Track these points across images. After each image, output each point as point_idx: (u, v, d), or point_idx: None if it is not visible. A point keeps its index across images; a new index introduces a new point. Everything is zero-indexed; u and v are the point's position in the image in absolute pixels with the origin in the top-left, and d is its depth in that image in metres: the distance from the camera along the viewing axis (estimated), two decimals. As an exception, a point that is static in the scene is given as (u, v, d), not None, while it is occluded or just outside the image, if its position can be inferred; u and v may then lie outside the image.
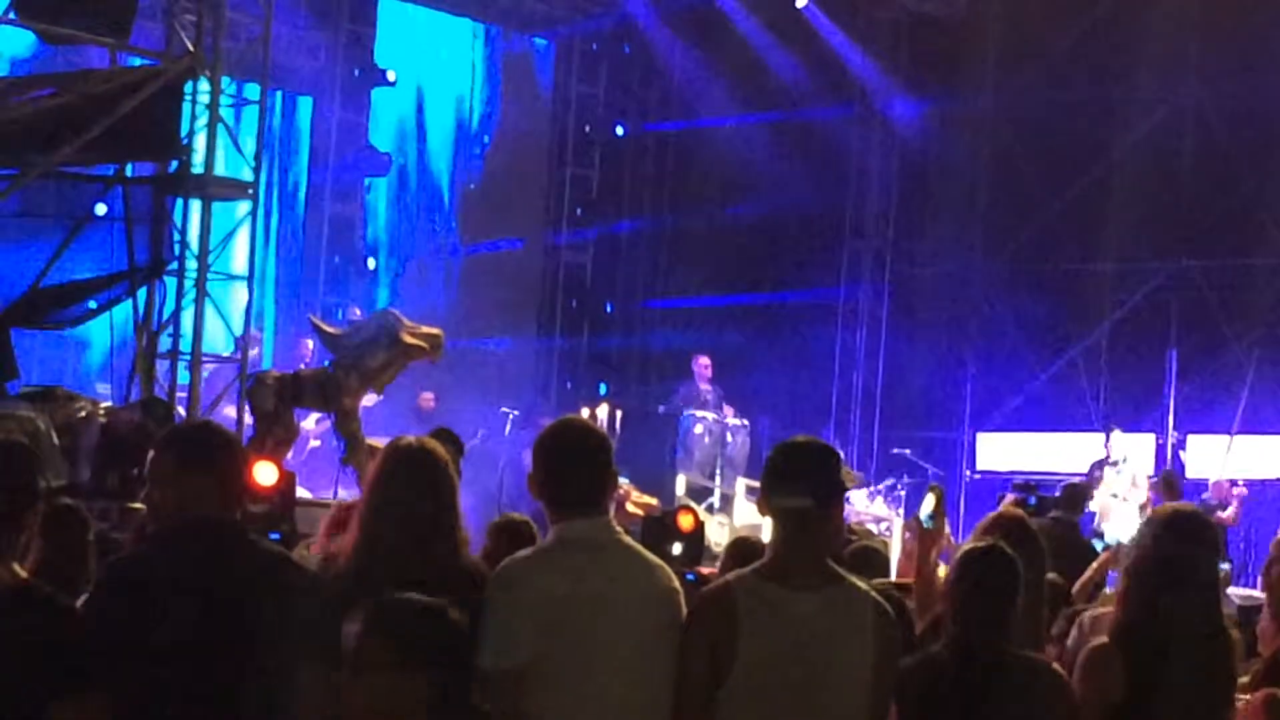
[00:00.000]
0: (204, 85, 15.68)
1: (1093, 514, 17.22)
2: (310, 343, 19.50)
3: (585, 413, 18.52)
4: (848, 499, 11.96)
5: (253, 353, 17.30)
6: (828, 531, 5.50)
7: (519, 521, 7.73)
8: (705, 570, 11.35)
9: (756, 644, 5.32)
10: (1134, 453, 19.52)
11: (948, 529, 17.57)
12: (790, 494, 5.48)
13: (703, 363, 21.56)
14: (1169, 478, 17.93)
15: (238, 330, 16.49)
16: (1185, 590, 5.90)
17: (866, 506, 19.35)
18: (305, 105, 23.74)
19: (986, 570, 5.80)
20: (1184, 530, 6.07)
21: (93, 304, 16.04)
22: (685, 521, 12.32)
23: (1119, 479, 18.75)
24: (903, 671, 5.54)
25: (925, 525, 7.65)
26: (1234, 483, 19.98)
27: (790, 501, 5.48)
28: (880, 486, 20.84)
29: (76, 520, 7.81)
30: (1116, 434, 19.65)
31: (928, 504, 7.49)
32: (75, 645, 4.99)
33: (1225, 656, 5.99)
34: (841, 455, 5.71)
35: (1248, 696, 6.07)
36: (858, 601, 5.44)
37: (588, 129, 25.23)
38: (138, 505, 8.84)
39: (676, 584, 5.65)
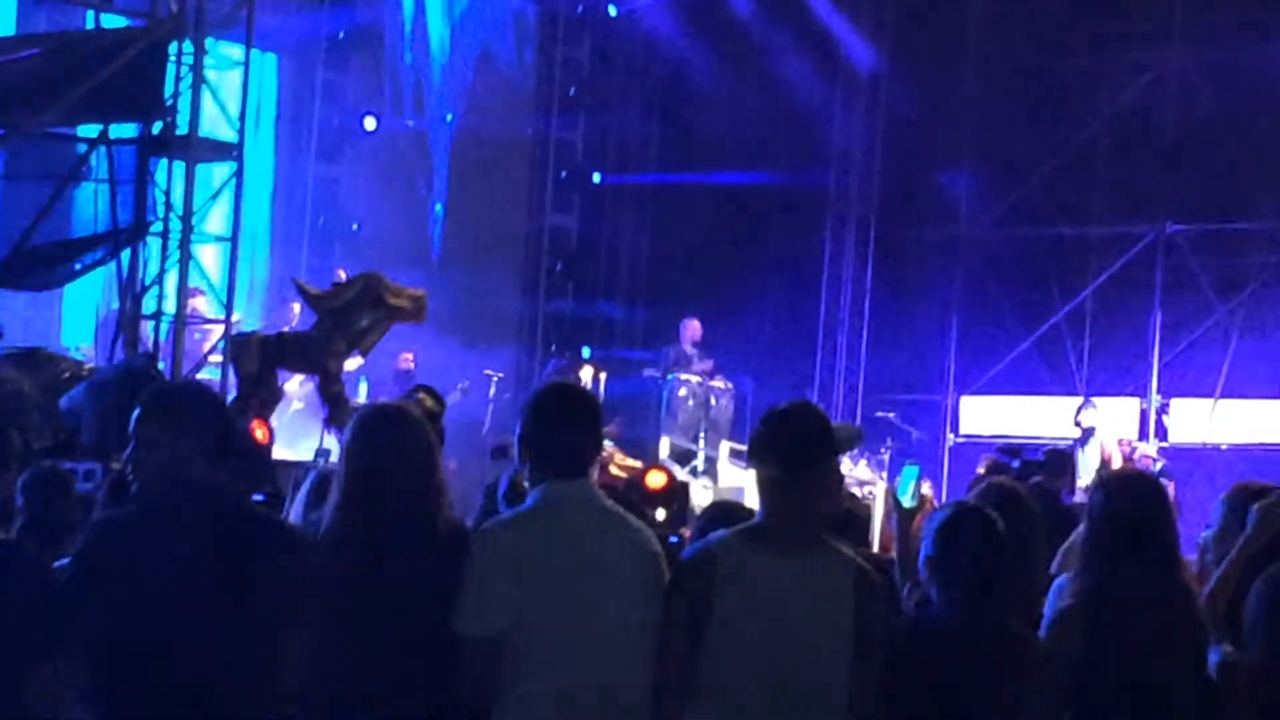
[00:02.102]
0: (188, 46, 15.64)
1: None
2: (297, 306, 19.46)
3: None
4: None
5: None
6: (804, 497, 5.49)
7: (515, 483, 7.72)
8: (689, 534, 11.35)
9: (733, 607, 5.35)
10: (1102, 425, 19.55)
11: (930, 492, 17.70)
12: (760, 460, 5.56)
13: (692, 326, 21.53)
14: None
15: (222, 292, 16.48)
16: (1145, 555, 5.92)
17: (850, 470, 19.34)
18: (289, 66, 23.65)
19: (961, 535, 5.82)
20: (1137, 493, 6.10)
21: (77, 265, 16.02)
22: (654, 480, 12.25)
23: (1085, 454, 18.79)
24: (889, 637, 5.56)
25: (906, 504, 7.70)
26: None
27: (761, 468, 5.56)
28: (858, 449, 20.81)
29: (57, 480, 7.82)
30: (1087, 411, 19.66)
31: (907, 483, 7.55)
32: (55, 606, 4.98)
33: (1190, 619, 6.00)
34: (828, 420, 5.72)
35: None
36: (838, 567, 5.46)
37: (572, 91, 25.17)
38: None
39: (658, 547, 5.67)
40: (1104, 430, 19.31)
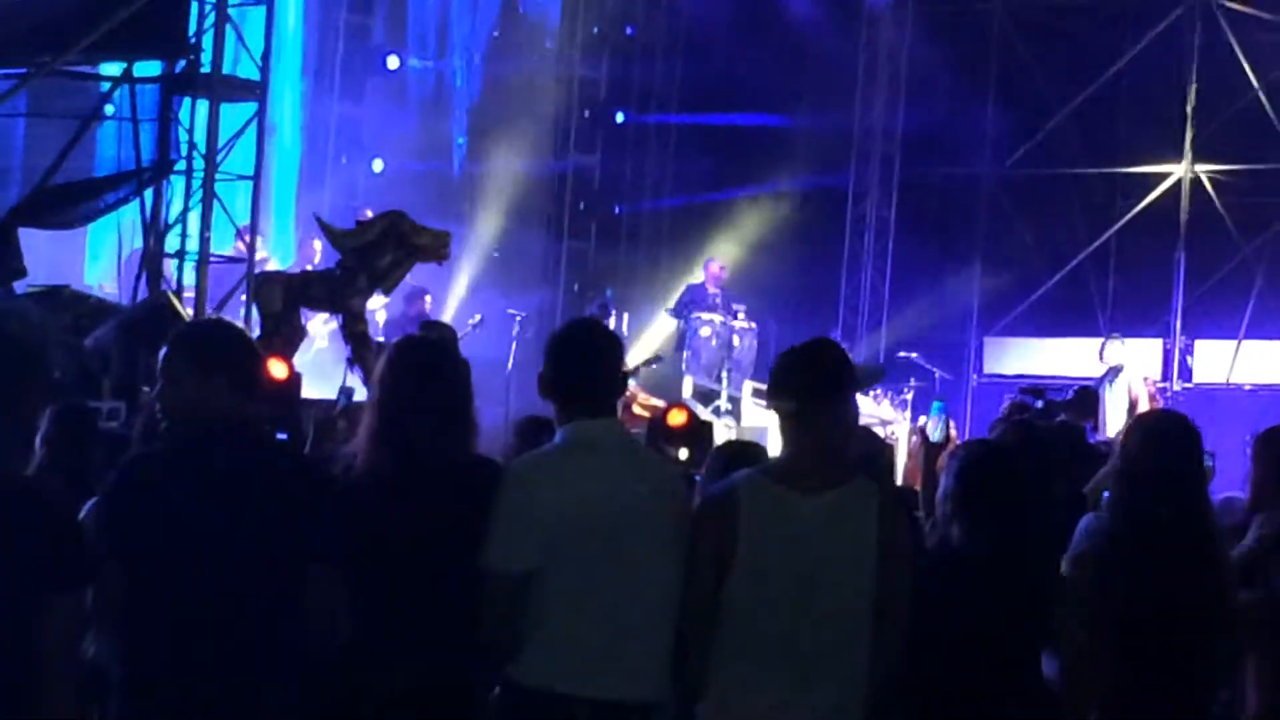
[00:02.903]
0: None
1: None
2: (318, 243, 19.45)
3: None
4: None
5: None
6: (823, 431, 5.51)
7: (546, 422, 7.69)
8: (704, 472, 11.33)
9: (757, 543, 5.39)
10: (1130, 362, 19.49)
11: (954, 431, 17.66)
12: (778, 396, 5.59)
13: (716, 265, 21.51)
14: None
15: (246, 231, 16.48)
16: (1175, 498, 5.90)
17: (873, 409, 19.35)
18: (314, 5, 23.61)
19: (980, 471, 5.81)
20: (1172, 436, 6.08)
21: (100, 204, 16.01)
22: (675, 418, 12.17)
23: (1112, 391, 18.74)
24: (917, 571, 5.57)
25: (932, 439, 7.73)
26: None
27: (779, 403, 5.59)
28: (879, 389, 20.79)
29: (79, 417, 7.78)
30: (1112, 345, 19.59)
31: (935, 421, 7.58)
32: (72, 542, 4.98)
33: (1218, 563, 5.99)
34: (845, 354, 5.73)
35: None
36: (862, 502, 5.48)
37: (596, 30, 25.07)
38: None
39: (683, 483, 5.70)
40: (1131, 369, 19.25)
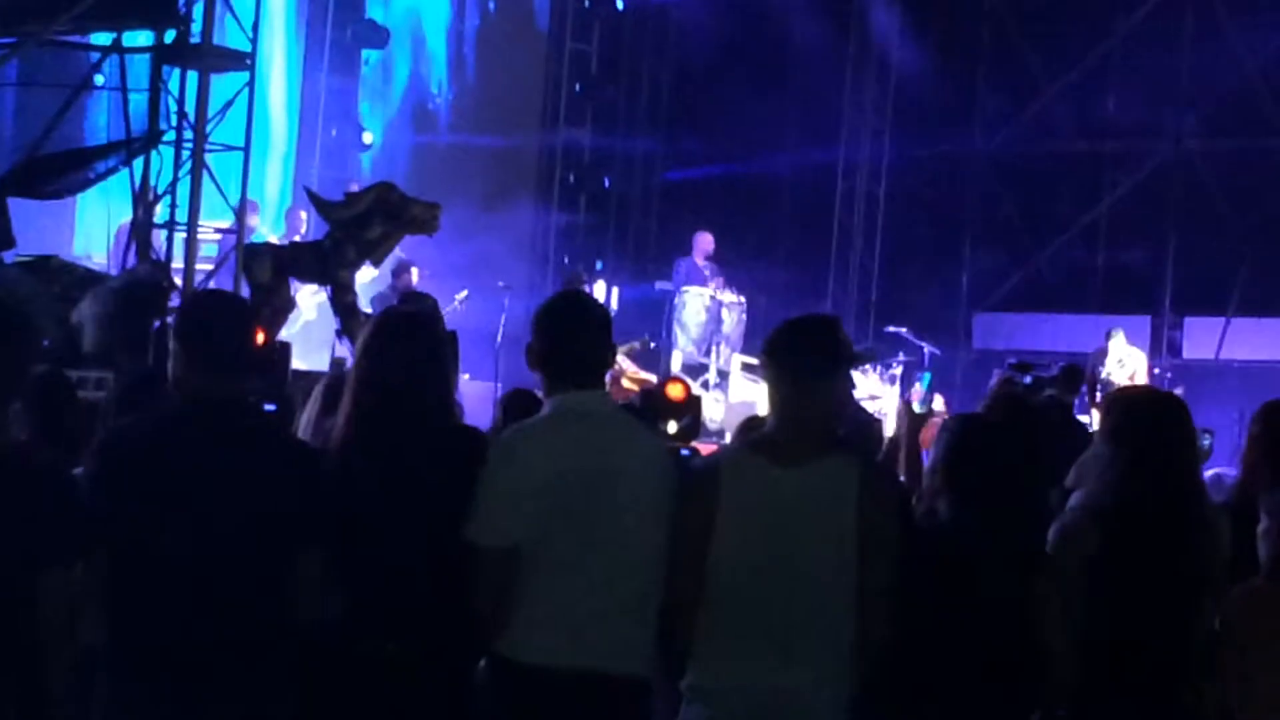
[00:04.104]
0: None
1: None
2: (304, 214, 19.42)
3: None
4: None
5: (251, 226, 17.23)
6: (814, 408, 5.51)
7: (530, 395, 7.68)
8: (701, 447, 11.35)
9: (736, 517, 5.40)
10: (1135, 356, 19.58)
11: (943, 406, 17.63)
12: (772, 370, 5.59)
13: (704, 239, 21.46)
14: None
15: (234, 201, 16.44)
16: (1161, 475, 5.87)
17: (861, 384, 19.33)
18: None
19: (969, 445, 5.80)
20: (1159, 412, 6.07)
21: (90, 174, 15.97)
22: (674, 391, 12.18)
23: (1121, 370, 18.81)
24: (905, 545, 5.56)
25: (917, 410, 7.72)
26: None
27: (772, 377, 5.59)
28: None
29: (60, 386, 7.74)
30: (1118, 339, 19.65)
31: (919, 391, 7.61)
32: (68, 512, 4.96)
33: (1200, 540, 5.93)
34: (842, 332, 5.72)
35: None
36: (844, 475, 5.45)
37: (587, 4, 25.05)
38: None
39: (671, 456, 5.70)
40: (1136, 355, 19.36)
